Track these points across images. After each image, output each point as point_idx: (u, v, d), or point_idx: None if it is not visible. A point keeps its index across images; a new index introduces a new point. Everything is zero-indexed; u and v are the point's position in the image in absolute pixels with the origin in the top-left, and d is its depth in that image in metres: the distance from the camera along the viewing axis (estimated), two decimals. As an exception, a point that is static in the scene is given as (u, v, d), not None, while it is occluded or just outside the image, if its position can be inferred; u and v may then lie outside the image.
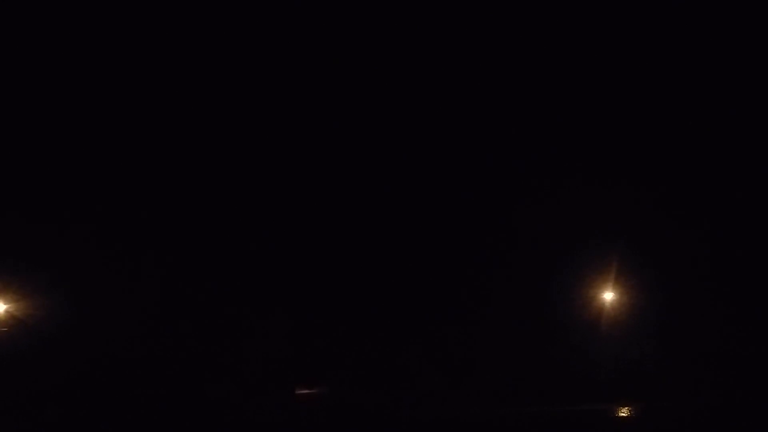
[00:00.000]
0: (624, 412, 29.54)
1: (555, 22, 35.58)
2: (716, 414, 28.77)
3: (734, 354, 33.52)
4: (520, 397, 31.86)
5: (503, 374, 33.58)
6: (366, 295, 35.34)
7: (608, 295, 35.17)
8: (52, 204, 32.72)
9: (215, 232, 34.77)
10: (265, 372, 34.34)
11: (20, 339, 31.85)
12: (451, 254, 35.67)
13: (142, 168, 34.37)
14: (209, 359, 33.99)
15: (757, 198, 35.44)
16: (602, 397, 31.95)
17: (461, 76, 36.29)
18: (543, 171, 35.63)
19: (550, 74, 36.10)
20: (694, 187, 35.36)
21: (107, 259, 33.04)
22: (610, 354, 34.30)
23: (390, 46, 35.58)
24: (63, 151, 33.48)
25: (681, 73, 35.70)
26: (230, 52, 34.87)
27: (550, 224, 35.08)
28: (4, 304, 31.85)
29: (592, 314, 35.00)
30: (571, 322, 34.72)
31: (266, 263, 35.05)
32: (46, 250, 32.09)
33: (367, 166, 36.07)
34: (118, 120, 34.16)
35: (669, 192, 35.13)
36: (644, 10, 34.91)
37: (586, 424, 27.90)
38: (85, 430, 29.71)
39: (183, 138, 34.76)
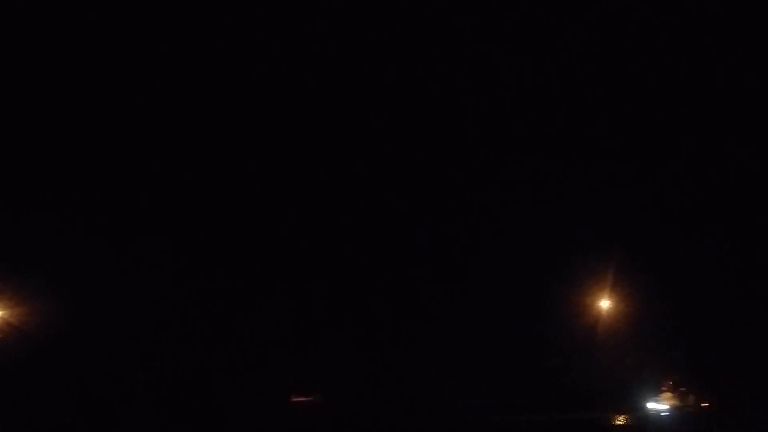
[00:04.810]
0: (620, 420, 29.35)
1: (555, 23, 35.46)
2: (716, 422, 28.60)
3: (735, 361, 33.19)
4: (514, 406, 31.65)
5: (498, 383, 33.32)
6: (361, 303, 35.24)
7: (605, 303, 34.95)
8: (45, 208, 32.72)
9: (209, 243, 34.75)
10: (261, 379, 34.24)
11: (15, 346, 31.83)
12: (446, 261, 35.55)
13: (135, 171, 34.33)
14: (204, 366, 33.93)
15: (757, 203, 35.12)
16: (599, 406, 31.71)
17: (461, 76, 36.24)
18: (542, 172, 35.46)
19: (549, 74, 35.98)
20: (693, 191, 35.13)
21: (101, 264, 33.03)
22: (607, 362, 34.00)
23: (389, 46, 35.52)
24: (56, 157, 33.56)
25: (681, 74, 35.55)
26: (229, 51, 34.89)
27: (547, 231, 34.93)
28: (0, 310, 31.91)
29: (588, 322, 34.77)
30: (568, 330, 34.46)
31: (262, 269, 35.01)
32: (41, 256, 32.07)
33: (365, 168, 36.00)
34: (112, 123, 34.21)
35: (667, 196, 34.95)
36: (643, 11, 34.75)
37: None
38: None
39: (177, 138, 34.72)
